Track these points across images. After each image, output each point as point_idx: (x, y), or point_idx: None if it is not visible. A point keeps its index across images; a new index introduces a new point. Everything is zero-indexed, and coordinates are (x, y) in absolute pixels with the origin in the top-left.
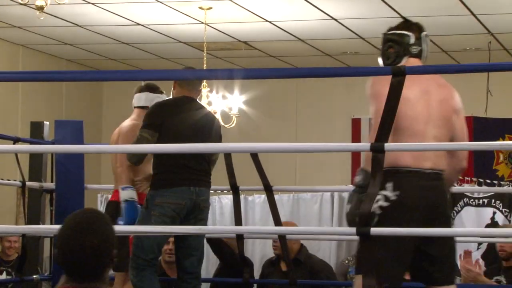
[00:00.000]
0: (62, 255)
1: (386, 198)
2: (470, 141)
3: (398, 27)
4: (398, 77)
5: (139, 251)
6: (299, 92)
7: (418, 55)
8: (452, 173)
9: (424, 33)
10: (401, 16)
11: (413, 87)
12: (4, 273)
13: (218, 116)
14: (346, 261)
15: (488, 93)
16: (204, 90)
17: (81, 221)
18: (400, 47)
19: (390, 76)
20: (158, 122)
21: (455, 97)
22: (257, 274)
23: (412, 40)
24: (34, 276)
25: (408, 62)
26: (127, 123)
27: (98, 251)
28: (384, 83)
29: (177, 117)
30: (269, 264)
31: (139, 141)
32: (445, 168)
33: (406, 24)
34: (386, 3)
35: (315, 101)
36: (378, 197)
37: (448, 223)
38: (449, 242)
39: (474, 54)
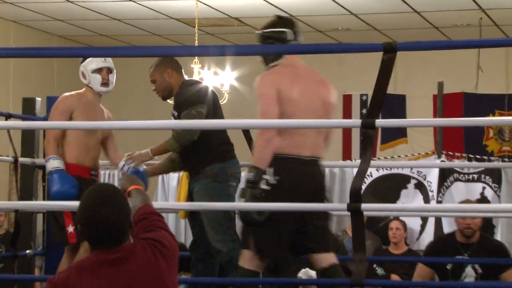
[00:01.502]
0: (87, 228)
1: (267, 182)
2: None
3: (274, 25)
4: (389, 53)
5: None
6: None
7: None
8: None
9: (296, 28)
10: None
11: (294, 87)
12: None
13: None
14: (340, 234)
15: (478, 70)
16: (196, 67)
17: (96, 197)
18: (280, 43)
19: (276, 77)
20: (208, 101)
21: (333, 93)
22: None
23: (290, 36)
24: (27, 251)
25: (288, 58)
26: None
27: (118, 220)
28: (269, 85)
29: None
30: None
31: (197, 117)
32: (323, 156)
33: (281, 20)
34: None
35: None
36: (264, 180)
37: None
38: (322, 221)
39: (465, 30)
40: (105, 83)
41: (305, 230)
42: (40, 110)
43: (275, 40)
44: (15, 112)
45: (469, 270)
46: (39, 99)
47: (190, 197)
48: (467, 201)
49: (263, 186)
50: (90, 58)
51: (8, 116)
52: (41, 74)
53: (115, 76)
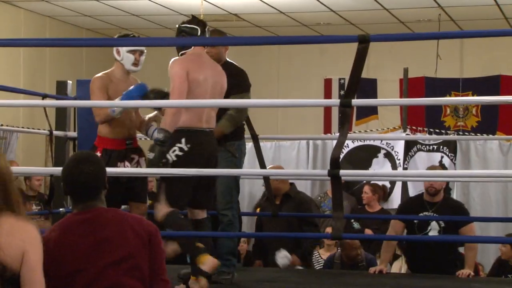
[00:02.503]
0: (67, 184)
1: (181, 149)
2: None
3: (189, 22)
4: (364, 44)
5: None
6: (280, 56)
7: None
8: None
9: (207, 27)
10: None
11: (200, 73)
12: (34, 205)
13: None
14: (319, 198)
15: (437, 57)
16: None
17: (79, 156)
18: (189, 36)
19: (185, 61)
20: None
21: (223, 77)
22: (249, 207)
23: (199, 33)
24: (61, 209)
25: (195, 49)
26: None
27: (94, 175)
28: (180, 66)
29: None
30: (266, 199)
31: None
32: (214, 127)
33: (195, 20)
34: None
35: (293, 64)
36: (175, 148)
37: (216, 166)
38: (211, 182)
39: (426, 24)
40: (135, 64)
41: (199, 190)
42: (71, 91)
43: (187, 34)
44: (50, 93)
45: (433, 224)
46: (70, 82)
47: None
48: (432, 168)
49: (177, 152)
50: (127, 38)
51: (44, 96)
52: (72, 60)
53: (144, 58)
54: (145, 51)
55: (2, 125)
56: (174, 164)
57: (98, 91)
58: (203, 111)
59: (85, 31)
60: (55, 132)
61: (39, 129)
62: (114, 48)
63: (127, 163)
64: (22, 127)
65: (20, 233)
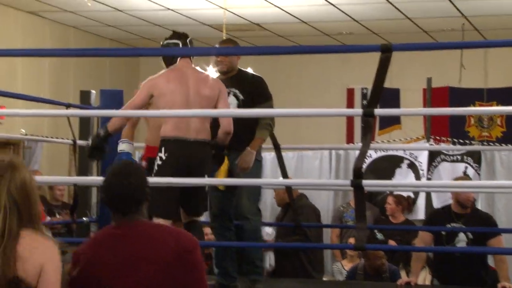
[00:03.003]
0: (108, 196)
1: (161, 158)
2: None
3: (171, 37)
4: (386, 53)
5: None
6: (302, 66)
7: (188, 56)
8: (221, 135)
9: (189, 39)
10: (388, 1)
11: (171, 82)
12: (57, 214)
13: None
14: (341, 208)
15: (461, 67)
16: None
17: (120, 168)
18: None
19: (153, 80)
20: None
21: (211, 88)
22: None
23: (180, 46)
24: (84, 219)
25: (180, 61)
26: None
27: (134, 188)
28: (145, 86)
29: None
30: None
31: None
32: (207, 137)
33: (176, 34)
34: None
35: (316, 74)
36: (157, 157)
37: (203, 176)
38: (199, 189)
39: (450, 33)
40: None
41: (184, 197)
42: (94, 100)
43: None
44: (74, 103)
45: (461, 236)
46: (94, 91)
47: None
48: (460, 178)
49: (158, 162)
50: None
51: (68, 106)
52: (96, 70)
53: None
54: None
55: (26, 134)
56: (156, 173)
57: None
58: (181, 120)
59: (108, 41)
60: (78, 142)
61: (63, 139)
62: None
63: None
64: (46, 137)
65: (40, 248)
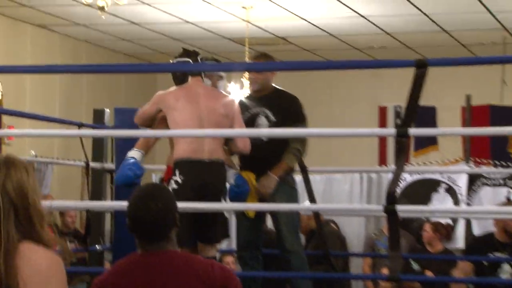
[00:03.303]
0: (132, 221)
1: (176, 182)
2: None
3: (181, 55)
4: (422, 68)
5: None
6: (331, 82)
7: (198, 74)
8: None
9: (199, 57)
10: (423, 13)
11: (180, 99)
12: (68, 242)
13: None
14: (374, 235)
15: (503, 83)
16: (246, 81)
17: (146, 191)
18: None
19: (162, 95)
20: None
21: (223, 105)
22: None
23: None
24: (97, 246)
25: (191, 80)
26: None
27: (162, 213)
28: (153, 101)
29: None
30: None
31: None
32: (222, 157)
33: (186, 52)
34: (409, 1)
35: (346, 91)
36: (172, 181)
37: (219, 200)
38: (217, 214)
39: (490, 47)
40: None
41: (199, 223)
42: (109, 120)
43: None
44: (87, 122)
45: (506, 267)
46: (108, 110)
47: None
48: (506, 204)
49: (173, 185)
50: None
51: (80, 125)
52: (110, 87)
53: (223, 84)
54: (224, 76)
55: (36, 156)
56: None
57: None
58: (194, 140)
59: (123, 57)
60: (91, 164)
61: (74, 161)
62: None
63: None
64: (57, 159)
65: (42, 260)
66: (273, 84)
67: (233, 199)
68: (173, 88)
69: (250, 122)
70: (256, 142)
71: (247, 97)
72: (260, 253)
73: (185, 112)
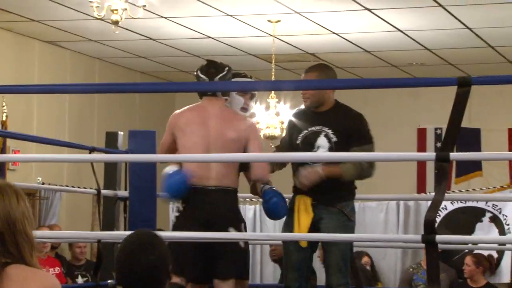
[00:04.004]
0: (122, 275)
1: (178, 209)
2: None
3: (201, 70)
4: (464, 87)
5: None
6: (366, 102)
7: (214, 94)
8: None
9: (220, 75)
10: (467, 27)
11: (191, 123)
12: (79, 276)
13: (285, 126)
14: (411, 269)
15: None
16: (273, 101)
17: (136, 242)
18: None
19: (174, 117)
20: None
21: (237, 130)
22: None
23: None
24: (109, 281)
25: (204, 99)
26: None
27: (155, 268)
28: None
29: None
30: None
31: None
32: (234, 184)
33: (212, 64)
34: (452, 14)
35: (382, 111)
36: (175, 208)
37: (225, 229)
38: (226, 246)
39: None
40: (245, 108)
41: (206, 256)
42: (122, 143)
43: (198, 79)
44: (99, 145)
45: None
46: (122, 133)
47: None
48: None
49: (175, 213)
50: (239, 78)
51: (91, 150)
52: (124, 108)
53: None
54: (256, 94)
55: (43, 183)
56: (173, 227)
57: None
58: (200, 165)
59: (139, 75)
60: (103, 191)
61: (85, 188)
62: None
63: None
64: (66, 186)
65: (36, 280)
66: (335, 99)
67: (270, 216)
68: (187, 107)
69: (307, 142)
70: (312, 162)
71: (303, 113)
72: (307, 284)
73: (193, 136)
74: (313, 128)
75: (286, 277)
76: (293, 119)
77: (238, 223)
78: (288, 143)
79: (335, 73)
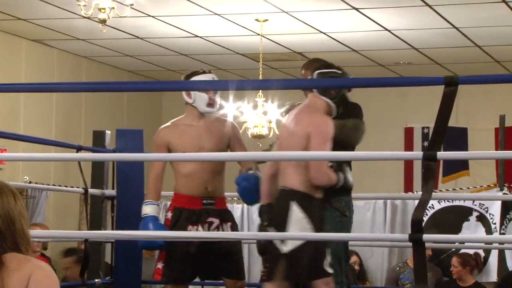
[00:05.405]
0: None
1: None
2: None
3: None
4: (451, 86)
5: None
6: (354, 101)
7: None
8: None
9: (317, 72)
10: (454, 27)
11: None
12: None
13: (273, 125)
14: (397, 268)
15: None
16: (260, 100)
17: None
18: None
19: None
20: None
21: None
22: None
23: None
24: (96, 280)
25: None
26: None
27: None
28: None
29: None
30: None
31: None
32: (292, 186)
33: (307, 64)
34: (438, 13)
35: (369, 111)
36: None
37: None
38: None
39: None
40: (211, 104)
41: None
42: (110, 142)
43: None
44: (86, 145)
45: None
46: (109, 132)
47: None
48: None
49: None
50: (197, 76)
51: (79, 149)
52: (111, 107)
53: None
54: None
55: (30, 182)
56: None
57: (156, 151)
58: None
59: (126, 73)
60: (90, 190)
61: (72, 187)
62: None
63: (200, 228)
64: (54, 185)
65: (31, 268)
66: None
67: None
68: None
69: None
70: None
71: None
72: None
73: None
74: None
75: None
76: (286, 115)
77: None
78: None
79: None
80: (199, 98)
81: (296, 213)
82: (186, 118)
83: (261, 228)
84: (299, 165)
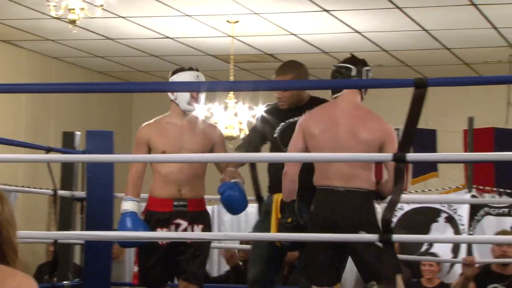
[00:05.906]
0: None
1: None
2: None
3: (345, 61)
4: (420, 89)
5: None
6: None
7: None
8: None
9: (366, 68)
10: (423, 29)
11: (318, 123)
12: None
13: (244, 126)
14: None
15: (508, 105)
16: (231, 101)
17: None
18: (342, 78)
19: (305, 118)
20: None
21: (370, 129)
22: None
23: (354, 73)
24: (65, 282)
25: (346, 92)
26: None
27: None
28: (298, 125)
29: None
30: None
31: None
32: (362, 186)
33: (352, 59)
34: (408, 16)
35: None
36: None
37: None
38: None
39: (495, 66)
40: (192, 102)
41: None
42: (80, 144)
43: (339, 74)
44: (55, 146)
45: None
46: (79, 133)
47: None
48: (504, 233)
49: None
50: (182, 73)
51: (48, 150)
52: (81, 108)
53: (204, 95)
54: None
55: None
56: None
57: (136, 149)
58: (328, 165)
59: (97, 74)
60: (60, 192)
61: (41, 188)
62: None
63: (167, 230)
64: (22, 186)
65: (17, 283)
66: (308, 93)
67: (230, 207)
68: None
69: (286, 134)
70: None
71: (277, 108)
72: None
73: (323, 137)
74: (291, 120)
75: (249, 281)
76: (266, 114)
77: (369, 226)
78: (257, 140)
79: (306, 69)
80: (180, 96)
81: (378, 213)
82: (169, 115)
83: (285, 225)
84: (369, 166)
